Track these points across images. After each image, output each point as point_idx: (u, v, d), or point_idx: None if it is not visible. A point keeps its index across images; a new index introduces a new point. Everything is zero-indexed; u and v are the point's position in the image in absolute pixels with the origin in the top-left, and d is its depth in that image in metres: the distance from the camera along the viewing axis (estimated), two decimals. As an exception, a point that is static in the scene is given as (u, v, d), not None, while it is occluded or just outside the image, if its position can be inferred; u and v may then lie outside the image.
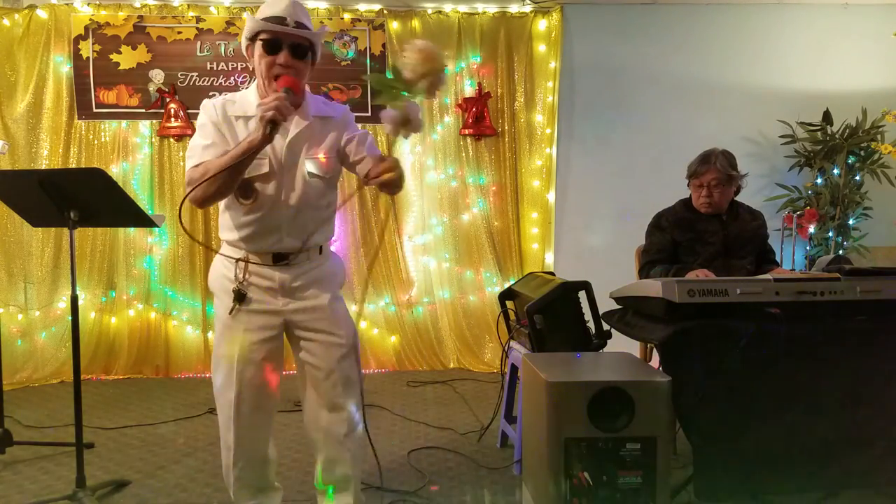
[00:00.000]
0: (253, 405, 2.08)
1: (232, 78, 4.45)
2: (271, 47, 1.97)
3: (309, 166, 2.05)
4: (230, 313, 2.05)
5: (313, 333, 2.10)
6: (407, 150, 4.58)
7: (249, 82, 4.36)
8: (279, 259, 2.06)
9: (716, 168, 2.84)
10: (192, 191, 1.91)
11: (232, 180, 1.91)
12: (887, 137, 4.50)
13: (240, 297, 2.04)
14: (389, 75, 1.84)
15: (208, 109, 2.02)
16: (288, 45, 1.98)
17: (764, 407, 2.20)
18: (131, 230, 4.43)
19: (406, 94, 1.82)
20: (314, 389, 2.12)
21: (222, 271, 2.10)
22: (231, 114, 2.02)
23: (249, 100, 2.04)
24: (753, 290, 2.21)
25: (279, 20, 1.96)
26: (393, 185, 1.91)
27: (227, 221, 2.08)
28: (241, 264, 2.06)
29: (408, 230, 4.65)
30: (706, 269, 2.67)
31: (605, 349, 2.78)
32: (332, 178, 2.13)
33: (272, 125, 1.82)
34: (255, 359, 2.06)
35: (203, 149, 1.96)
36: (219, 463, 2.37)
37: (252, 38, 2.01)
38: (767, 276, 2.33)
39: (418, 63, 1.77)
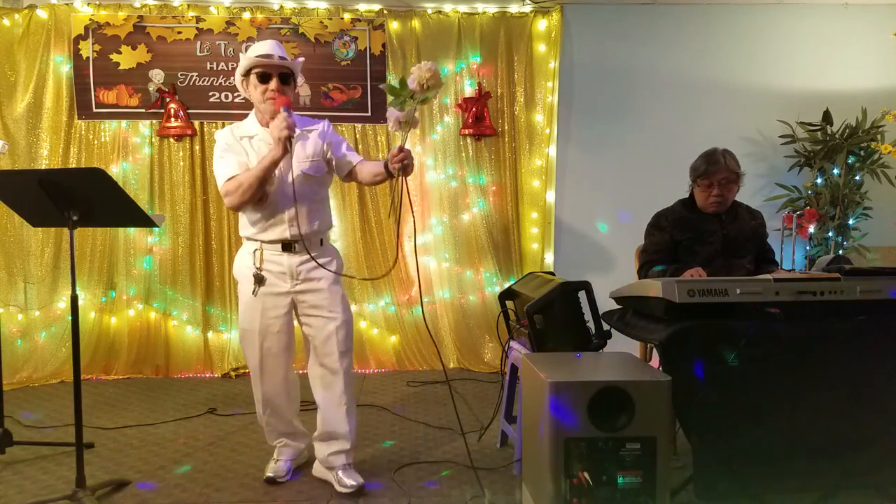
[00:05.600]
0: (271, 368, 2.61)
1: (232, 78, 4.44)
2: (263, 78, 2.52)
3: (302, 168, 2.54)
4: (253, 294, 2.53)
5: (315, 310, 2.57)
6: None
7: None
8: (287, 247, 2.54)
9: (726, 167, 2.85)
10: (233, 197, 2.46)
11: (261, 187, 2.44)
12: (887, 137, 4.50)
13: (259, 279, 2.52)
14: (397, 84, 2.28)
15: (224, 135, 2.56)
16: (276, 74, 2.51)
17: (764, 407, 2.20)
18: (131, 230, 4.43)
19: (410, 100, 2.27)
20: (315, 356, 2.62)
21: (245, 261, 2.59)
22: (238, 135, 2.57)
23: (250, 125, 2.60)
24: (753, 290, 2.21)
25: (267, 56, 2.50)
26: (409, 166, 2.42)
27: (244, 220, 2.59)
28: (258, 253, 2.54)
29: (408, 230, 4.65)
30: (700, 268, 2.67)
31: (605, 349, 2.78)
32: (321, 176, 2.61)
33: (290, 140, 2.37)
34: (272, 331, 2.57)
35: (230, 164, 2.48)
36: (219, 462, 2.48)
37: (246, 74, 2.54)
38: (768, 276, 2.33)
39: (423, 78, 2.22)
